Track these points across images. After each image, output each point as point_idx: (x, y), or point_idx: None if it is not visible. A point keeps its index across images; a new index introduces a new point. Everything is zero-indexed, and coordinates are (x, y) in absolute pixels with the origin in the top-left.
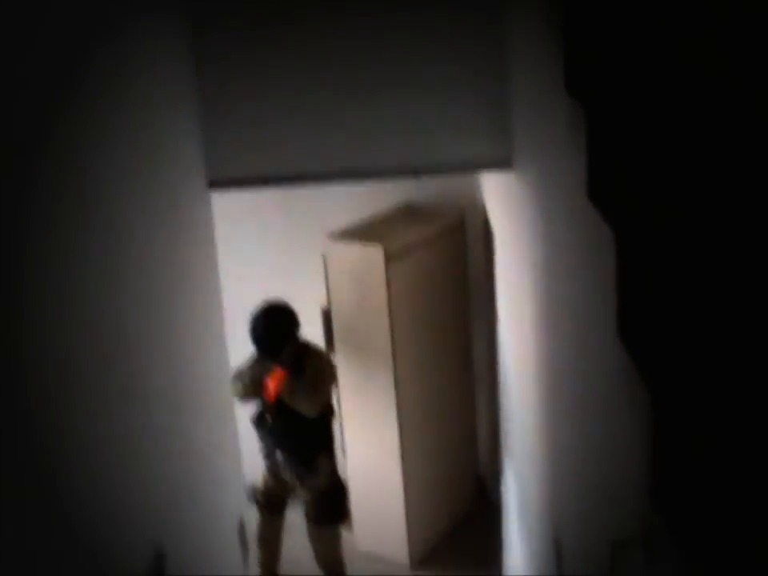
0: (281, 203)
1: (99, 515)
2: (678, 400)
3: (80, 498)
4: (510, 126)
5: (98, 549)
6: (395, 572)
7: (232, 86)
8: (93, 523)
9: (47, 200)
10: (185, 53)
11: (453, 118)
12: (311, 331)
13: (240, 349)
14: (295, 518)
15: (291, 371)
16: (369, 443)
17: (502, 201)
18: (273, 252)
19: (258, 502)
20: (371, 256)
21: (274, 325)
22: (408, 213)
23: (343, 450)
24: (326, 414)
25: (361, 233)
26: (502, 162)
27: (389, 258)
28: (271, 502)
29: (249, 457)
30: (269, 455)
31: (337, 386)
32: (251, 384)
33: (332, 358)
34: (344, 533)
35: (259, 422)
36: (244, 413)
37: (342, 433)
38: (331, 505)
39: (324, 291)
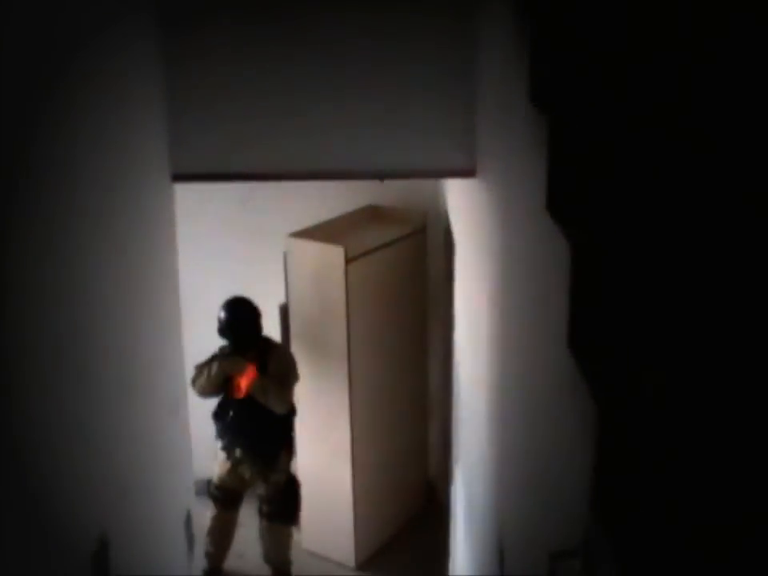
0: (244, 200)
1: (44, 499)
2: (623, 412)
3: (26, 481)
4: (475, 135)
5: (41, 533)
6: (340, 572)
7: (199, 82)
8: (36, 507)
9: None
10: (152, 49)
11: (419, 123)
12: (268, 328)
13: (196, 341)
14: (243, 514)
15: (257, 366)
16: (320, 442)
17: (465, 208)
18: (233, 248)
19: (213, 496)
20: (332, 256)
21: (248, 319)
22: (371, 215)
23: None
24: (289, 411)
25: (323, 232)
26: (465, 170)
27: (349, 259)
28: (227, 496)
29: (198, 449)
30: (227, 450)
31: (297, 382)
32: (216, 378)
33: (292, 354)
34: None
35: (221, 416)
36: (195, 405)
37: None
38: (286, 503)
39: (283, 289)
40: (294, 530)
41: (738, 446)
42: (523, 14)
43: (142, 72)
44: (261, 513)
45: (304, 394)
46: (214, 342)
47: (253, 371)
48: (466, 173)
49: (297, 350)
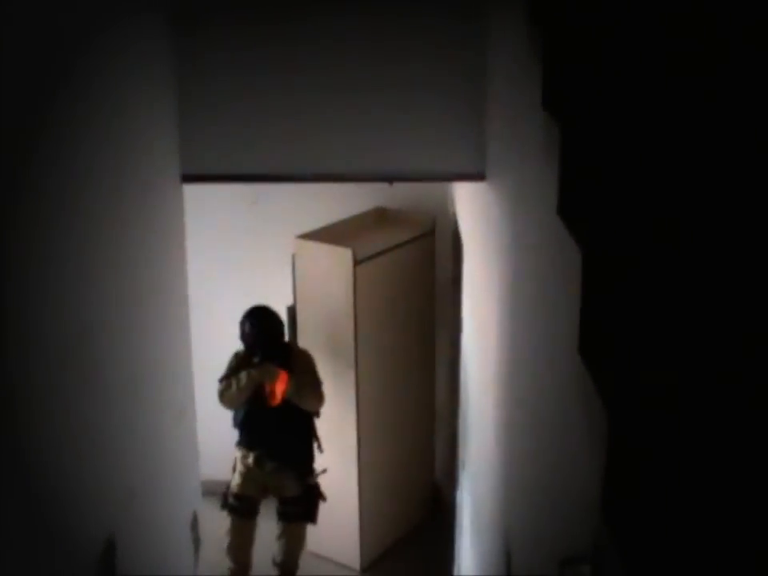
0: (253, 202)
1: (52, 501)
2: (634, 419)
3: (34, 483)
4: (485, 139)
5: (48, 534)
6: (345, 574)
7: (209, 83)
8: (44, 509)
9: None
10: (165, 49)
11: (429, 126)
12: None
13: (203, 343)
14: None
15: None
16: (326, 444)
17: (473, 211)
18: (241, 249)
19: (231, 507)
20: (340, 258)
21: (275, 328)
22: (380, 217)
23: None
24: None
25: (331, 234)
26: (475, 173)
27: (357, 261)
28: (245, 505)
29: (205, 451)
30: (258, 458)
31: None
32: (246, 389)
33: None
34: None
35: (249, 425)
36: (202, 407)
37: None
38: (309, 503)
39: (290, 290)
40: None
41: (750, 454)
42: (536, 18)
43: (151, 72)
44: (284, 515)
45: None
46: (221, 344)
47: (285, 377)
48: (476, 176)
49: None
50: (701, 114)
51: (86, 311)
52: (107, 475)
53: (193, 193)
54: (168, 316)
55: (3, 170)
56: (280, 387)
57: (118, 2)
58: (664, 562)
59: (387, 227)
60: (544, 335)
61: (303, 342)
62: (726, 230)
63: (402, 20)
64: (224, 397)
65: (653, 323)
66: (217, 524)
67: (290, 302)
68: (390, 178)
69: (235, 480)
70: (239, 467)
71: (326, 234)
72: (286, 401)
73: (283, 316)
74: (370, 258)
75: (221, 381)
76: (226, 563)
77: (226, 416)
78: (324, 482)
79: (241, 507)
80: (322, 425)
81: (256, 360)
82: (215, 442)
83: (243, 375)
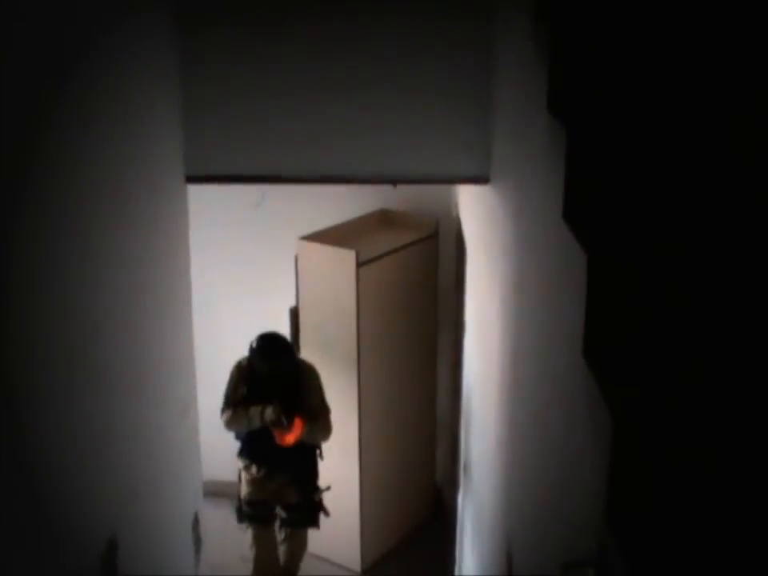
0: (256, 203)
1: (55, 501)
2: (638, 423)
3: (37, 483)
4: (489, 142)
5: (51, 534)
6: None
7: (214, 84)
8: (47, 509)
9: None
10: (168, 50)
11: (433, 129)
12: (278, 330)
13: (206, 343)
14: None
15: (290, 391)
16: (328, 445)
17: (477, 214)
18: (245, 251)
19: (247, 516)
20: (343, 259)
21: (288, 360)
22: (383, 219)
23: None
24: None
25: (334, 236)
26: (479, 176)
27: (360, 263)
28: (261, 511)
29: (207, 451)
30: (253, 467)
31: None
32: (254, 427)
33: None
34: None
35: (250, 439)
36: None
37: None
38: (314, 508)
39: (293, 291)
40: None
41: (754, 458)
42: (542, 22)
43: (155, 72)
44: (288, 521)
45: None
46: (224, 345)
47: (300, 425)
48: (480, 179)
49: (306, 353)
50: (707, 118)
51: (89, 312)
52: (110, 475)
53: (197, 194)
54: (171, 316)
55: (7, 172)
56: (292, 438)
57: (121, 3)
58: (668, 566)
59: (391, 229)
60: (548, 339)
61: (305, 343)
62: (731, 234)
63: (407, 22)
64: (231, 426)
65: (657, 327)
66: (218, 525)
67: (292, 303)
68: (393, 180)
69: (244, 489)
70: (245, 476)
71: (330, 236)
72: None
73: (286, 317)
74: (373, 259)
75: (226, 405)
76: (227, 564)
77: None
78: (325, 482)
79: (257, 513)
80: None
81: (276, 406)
82: (217, 443)
83: (256, 417)
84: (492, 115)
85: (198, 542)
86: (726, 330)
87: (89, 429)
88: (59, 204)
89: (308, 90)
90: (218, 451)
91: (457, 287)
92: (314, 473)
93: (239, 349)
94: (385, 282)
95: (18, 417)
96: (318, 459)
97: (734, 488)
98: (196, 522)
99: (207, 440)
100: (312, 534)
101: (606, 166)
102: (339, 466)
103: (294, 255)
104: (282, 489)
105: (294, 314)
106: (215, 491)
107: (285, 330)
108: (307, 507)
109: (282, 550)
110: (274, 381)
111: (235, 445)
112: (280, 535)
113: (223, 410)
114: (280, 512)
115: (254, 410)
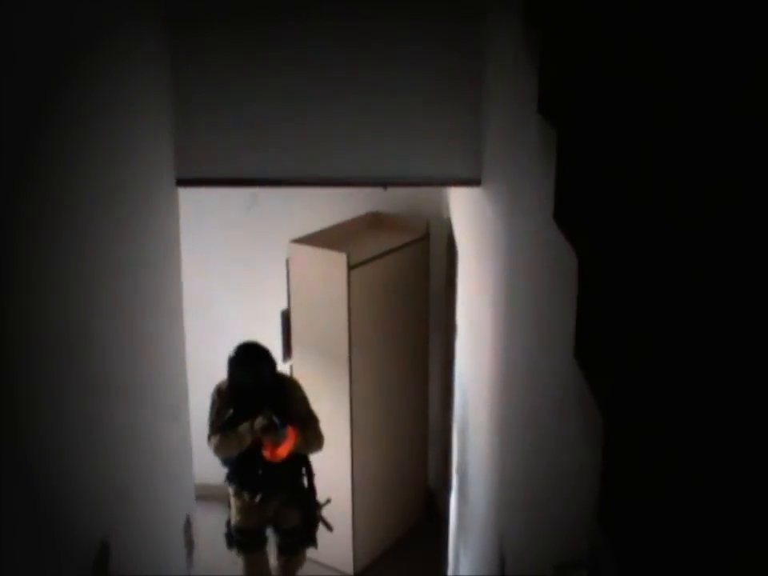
0: (248, 206)
1: (47, 504)
2: (630, 425)
3: (30, 486)
4: (480, 144)
5: (44, 537)
6: None
7: (205, 87)
8: (40, 511)
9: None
10: (160, 52)
11: (424, 131)
12: (270, 333)
13: (198, 347)
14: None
15: (276, 404)
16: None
17: (468, 216)
18: (236, 253)
19: (237, 543)
20: (334, 262)
21: (265, 355)
22: (374, 222)
23: None
24: None
25: (326, 239)
26: (470, 178)
27: (352, 265)
28: (251, 539)
29: (199, 454)
30: (244, 493)
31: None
32: (246, 445)
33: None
34: None
35: (237, 464)
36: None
37: None
38: (309, 531)
39: (285, 294)
40: None
41: (746, 459)
42: (532, 24)
43: (147, 76)
44: (284, 547)
45: None
46: (215, 348)
47: (294, 435)
48: (471, 182)
49: (298, 356)
50: (698, 119)
51: (80, 314)
52: (102, 477)
53: (188, 197)
54: (162, 319)
55: (3, 176)
56: (285, 450)
57: (114, 7)
58: (660, 567)
59: (382, 232)
60: (539, 339)
61: (297, 346)
62: (723, 234)
63: (398, 25)
64: (220, 451)
65: (648, 327)
66: (210, 528)
67: (284, 305)
68: (384, 183)
69: (234, 516)
70: (235, 502)
71: (321, 239)
72: None
73: (278, 320)
74: (364, 262)
75: (213, 431)
76: (219, 566)
77: None
78: (318, 488)
79: (248, 542)
80: None
81: (266, 418)
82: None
83: (246, 432)
84: (483, 117)
85: (190, 544)
86: (719, 330)
87: (80, 432)
88: (52, 209)
89: (299, 94)
90: (209, 454)
91: (448, 289)
92: (311, 488)
93: (231, 351)
94: (376, 285)
95: (13, 420)
96: (313, 472)
97: (727, 489)
98: (188, 525)
99: (199, 443)
100: None
101: (597, 167)
102: (331, 469)
103: (285, 258)
104: (279, 512)
105: (286, 317)
106: (207, 494)
107: (276, 333)
108: (307, 527)
109: (277, 565)
110: (259, 394)
111: None
112: (275, 559)
113: (210, 437)
114: (273, 534)
115: (243, 426)
